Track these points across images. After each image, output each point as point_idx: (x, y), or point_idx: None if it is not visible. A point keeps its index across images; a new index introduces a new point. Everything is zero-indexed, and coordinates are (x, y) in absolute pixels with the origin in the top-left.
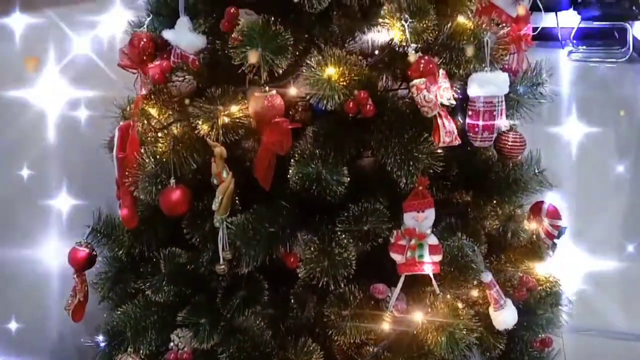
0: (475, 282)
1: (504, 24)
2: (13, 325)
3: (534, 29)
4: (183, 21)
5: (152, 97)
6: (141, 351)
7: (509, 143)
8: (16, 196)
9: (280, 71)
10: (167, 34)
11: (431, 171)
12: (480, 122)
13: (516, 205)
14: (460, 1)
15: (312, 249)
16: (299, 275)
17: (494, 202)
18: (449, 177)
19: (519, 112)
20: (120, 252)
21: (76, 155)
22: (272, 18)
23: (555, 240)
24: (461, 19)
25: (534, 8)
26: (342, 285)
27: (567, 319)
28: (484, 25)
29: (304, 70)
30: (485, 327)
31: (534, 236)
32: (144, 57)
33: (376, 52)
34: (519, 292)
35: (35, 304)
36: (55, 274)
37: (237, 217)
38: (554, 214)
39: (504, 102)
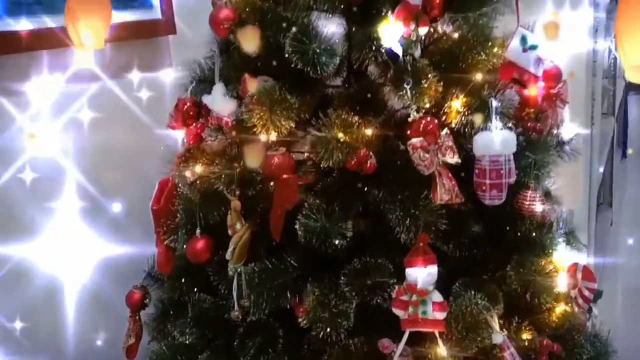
0: (487, 343)
1: (522, 84)
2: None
3: None
4: (218, 87)
5: (187, 154)
6: None
7: (527, 202)
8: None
9: (285, 132)
10: (205, 99)
11: (445, 227)
12: (488, 181)
13: (538, 265)
14: (472, 65)
15: (311, 299)
16: (301, 324)
17: (514, 261)
18: (467, 234)
19: (539, 171)
20: (163, 295)
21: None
22: (280, 84)
23: (592, 305)
24: (469, 80)
25: None
26: (343, 338)
27: None
28: (489, 86)
29: (311, 131)
30: None
31: (566, 298)
32: (188, 120)
33: (384, 112)
34: (540, 357)
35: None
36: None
37: (248, 267)
38: (589, 276)
39: (511, 161)
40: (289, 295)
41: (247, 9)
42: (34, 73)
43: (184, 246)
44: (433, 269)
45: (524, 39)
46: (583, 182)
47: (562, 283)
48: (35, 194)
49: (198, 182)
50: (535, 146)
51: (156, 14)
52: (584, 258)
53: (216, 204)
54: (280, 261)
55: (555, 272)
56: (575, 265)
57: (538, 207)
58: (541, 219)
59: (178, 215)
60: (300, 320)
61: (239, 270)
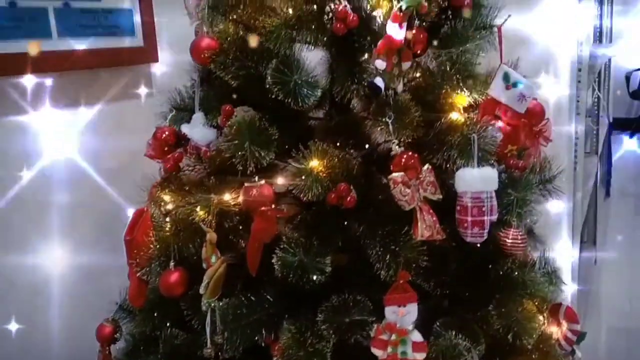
0: None
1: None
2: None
3: None
4: (197, 116)
5: (164, 184)
6: None
7: (509, 241)
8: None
9: (265, 163)
10: (184, 128)
11: (426, 264)
12: (469, 218)
13: (521, 306)
14: (452, 101)
15: (287, 337)
16: None
17: (496, 301)
18: (447, 272)
19: (522, 209)
20: (134, 329)
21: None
22: (260, 114)
23: (575, 347)
24: (453, 116)
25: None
26: None
27: None
28: (471, 123)
29: (291, 163)
30: None
31: (549, 340)
32: (165, 149)
33: (366, 146)
34: None
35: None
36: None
37: (222, 302)
38: (572, 318)
39: (494, 198)
40: (264, 332)
41: (229, 39)
42: (21, 99)
43: (157, 279)
44: (413, 308)
45: (506, 76)
46: (567, 220)
47: (544, 324)
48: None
49: (174, 212)
50: (518, 184)
51: (138, 41)
52: (567, 298)
53: (191, 236)
54: (256, 296)
55: (538, 312)
56: (559, 305)
57: (520, 247)
58: (524, 257)
59: (152, 246)
60: (275, 358)
61: (212, 305)
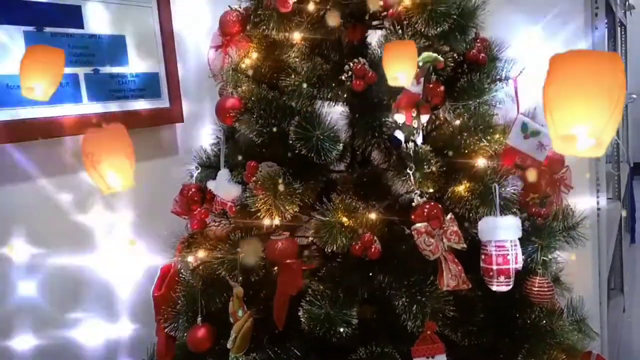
0: None
1: (526, 170)
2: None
3: None
4: (222, 173)
5: (190, 240)
6: None
7: (535, 289)
8: None
9: (289, 216)
10: (210, 184)
11: (452, 315)
12: (494, 267)
13: (550, 355)
14: (474, 151)
15: None
16: None
17: (525, 350)
18: (475, 322)
19: (547, 257)
20: None
21: None
22: (284, 169)
23: None
24: (472, 166)
25: None
26: None
27: None
28: (492, 172)
29: (315, 216)
30: None
31: None
32: (192, 205)
33: (388, 197)
34: None
35: None
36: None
37: (249, 357)
38: None
39: (518, 247)
40: None
41: (253, 98)
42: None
43: (185, 334)
44: (441, 359)
45: (525, 126)
46: (592, 267)
47: None
48: None
49: (200, 267)
50: (542, 231)
51: (164, 102)
52: (597, 346)
53: (218, 291)
54: (283, 350)
55: None
56: (589, 354)
57: (546, 295)
58: (551, 305)
59: (179, 302)
60: None
61: (240, 359)
